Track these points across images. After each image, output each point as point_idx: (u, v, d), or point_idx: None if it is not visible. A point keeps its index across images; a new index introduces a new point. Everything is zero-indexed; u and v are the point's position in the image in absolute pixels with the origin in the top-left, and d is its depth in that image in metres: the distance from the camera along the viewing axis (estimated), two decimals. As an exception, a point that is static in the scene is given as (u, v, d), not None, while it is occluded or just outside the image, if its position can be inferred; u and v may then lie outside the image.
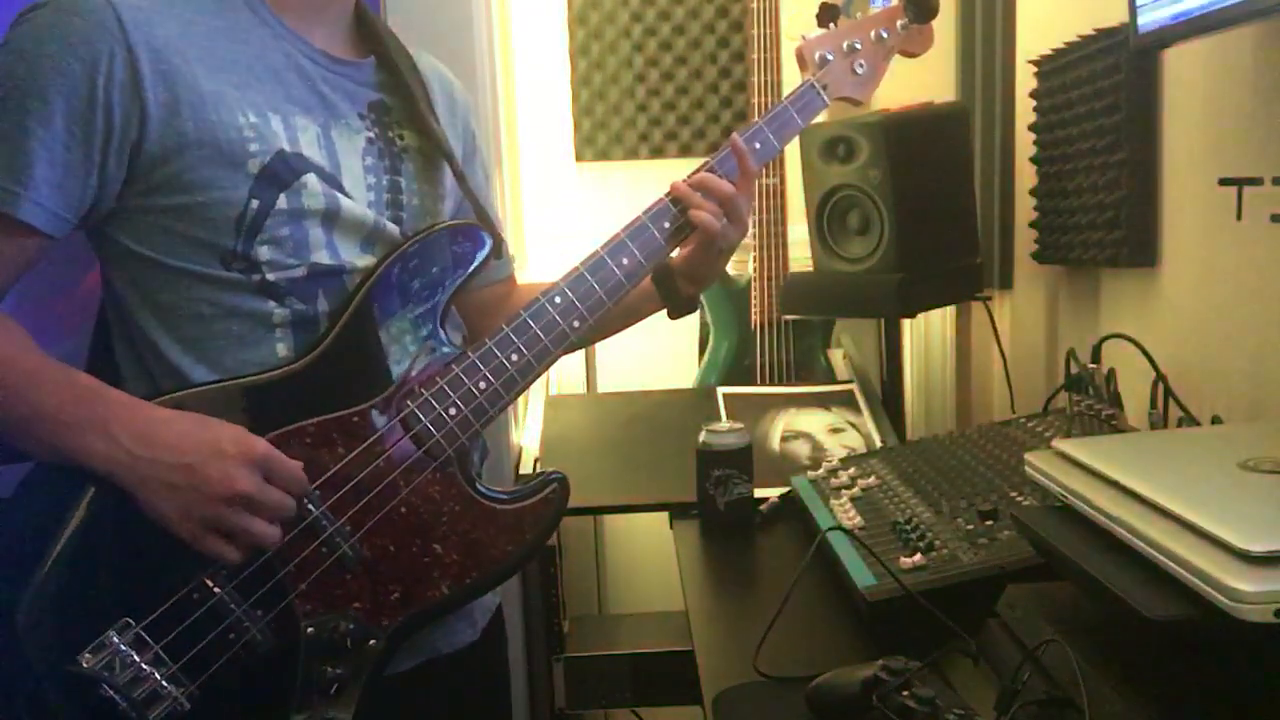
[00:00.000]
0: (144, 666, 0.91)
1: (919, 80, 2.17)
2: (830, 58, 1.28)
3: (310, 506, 0.98)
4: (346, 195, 1.05)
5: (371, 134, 1.10)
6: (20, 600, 0.90)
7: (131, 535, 0.93)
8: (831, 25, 1.29)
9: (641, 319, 1.31)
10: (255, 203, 0.99)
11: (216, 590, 0.94)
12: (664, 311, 1.29)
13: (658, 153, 2.59)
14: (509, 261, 1.32)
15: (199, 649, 0.93)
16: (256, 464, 0.94)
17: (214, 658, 0.94)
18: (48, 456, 0.94)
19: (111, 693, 0.89)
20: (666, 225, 1.16)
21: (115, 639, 0.90)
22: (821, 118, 1.92)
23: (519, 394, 1.10)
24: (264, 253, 1.01)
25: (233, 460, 0.93)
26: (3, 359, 0.94)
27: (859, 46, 1.29)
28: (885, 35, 1.31)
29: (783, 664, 1.01)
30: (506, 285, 1.32)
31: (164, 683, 0.91)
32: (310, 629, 0.98)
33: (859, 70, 1.29)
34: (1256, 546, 0.67)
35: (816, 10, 1.30)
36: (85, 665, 0.89)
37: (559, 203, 2.60)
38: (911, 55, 1.36)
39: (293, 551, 0.97)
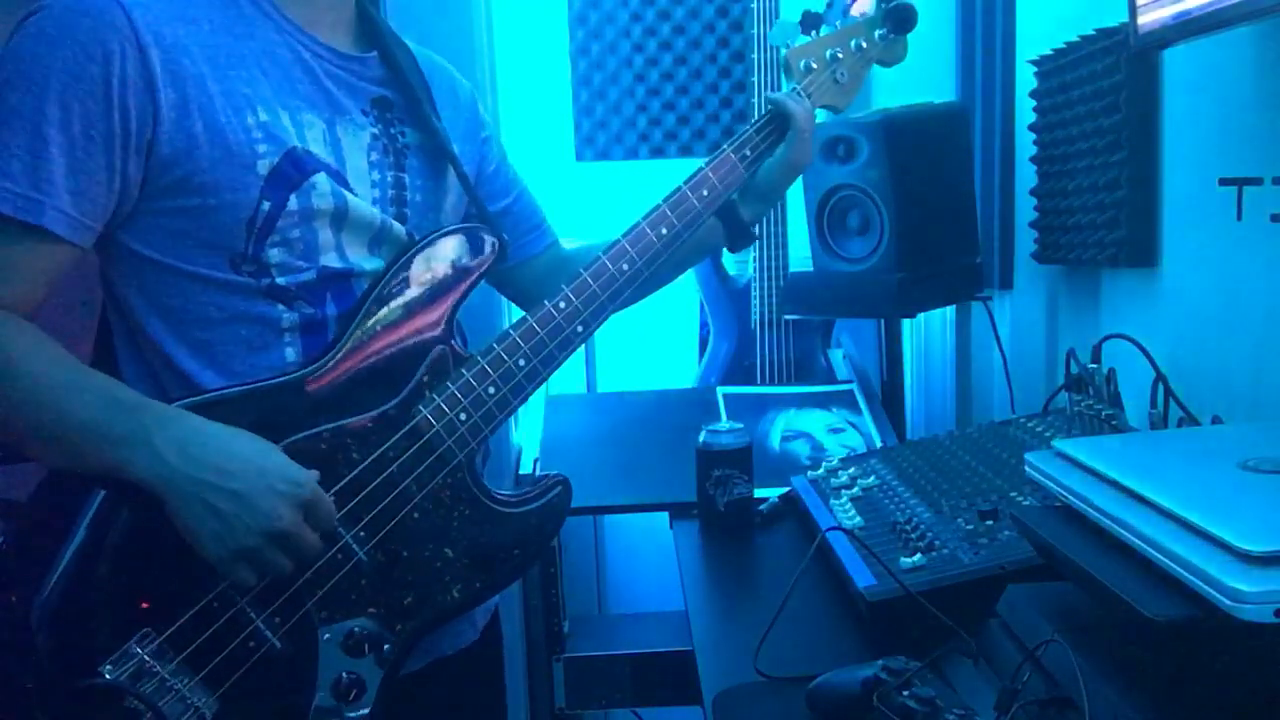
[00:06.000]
0: (166, 677, 0.90)
1: (919, 80, 2.17)
2: (814, 66, 1.33)
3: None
4: (352, 193, 1.05)
5: (375, 130, 1.10)
6: (37, 608, 0.89)
7: (151, 544, 0.92)
8: (814, 32, 1.34)
9: (700, 259, 1.47)
10: (266, 204, 0.99)
11: (236, 599, 0.94)
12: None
13: (658, 153, 2.59)
14: (542, 234, 1.33)
15: (220, 658, 0.93)
16: (302, 505, 0.93)
17: (234, 666, 0.94)
18: (85, 471, 0.92)
19: (137, 703, 0.88)
20: (664, 230, 1.18)
21: (138, 649, 0.90)
22: (820, 119, 1.92)
23: (526, 398, 1.11)
24: (274, 255, 1.00)
25: (282, 498, 0.92)
26: (35, 373, 0.92)
27: (840, 56, 1.35)
28: (865, 45, 1.37)
29: (783, 664, 1.01)
30: (549, 253, 1.33)
31: (186, 693, 0.91)
32: (327, 635, 0.98)
33: (840, 79, 1.35)
34: (1256, 546, 0.67)
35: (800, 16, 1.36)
36: (109, 676, 0.88)
37: (559, 202, 2.60)
38: (886, 65, 1.41)
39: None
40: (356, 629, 0.99)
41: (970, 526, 1.15)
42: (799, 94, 1.30)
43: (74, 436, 0.91)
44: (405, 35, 1.20)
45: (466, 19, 1.71)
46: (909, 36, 1.41)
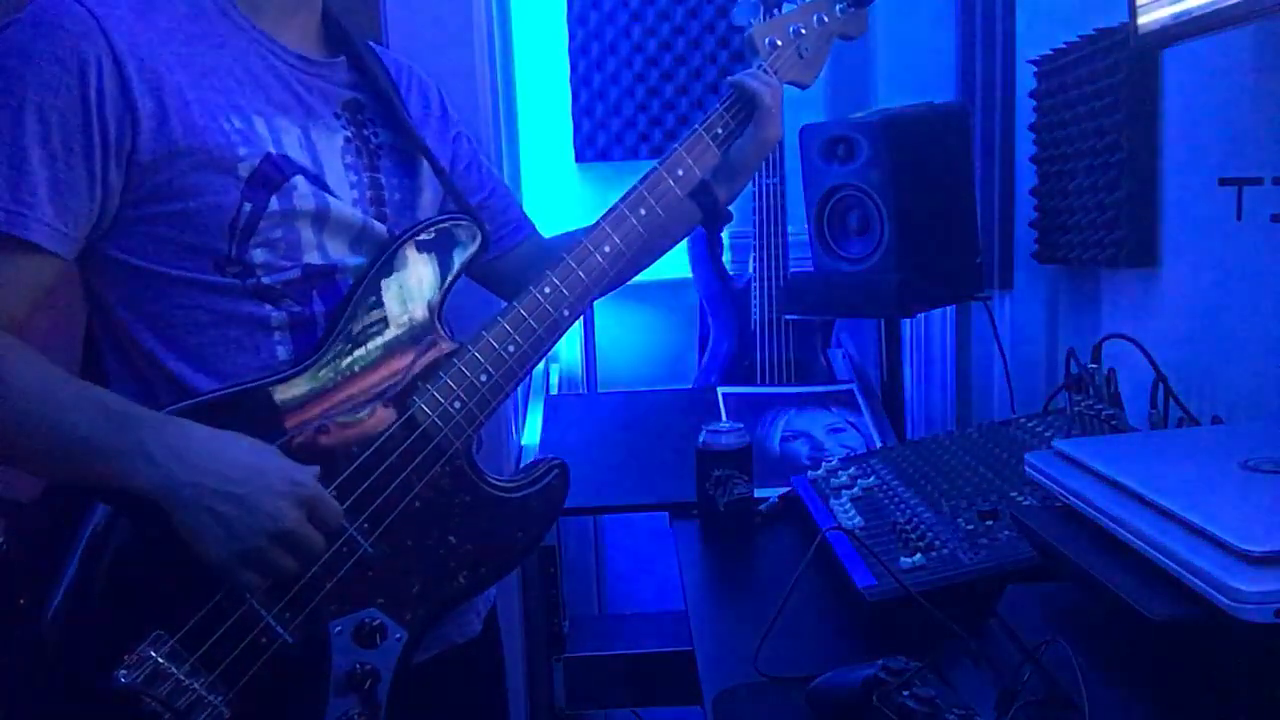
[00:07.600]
0: (182, 678, 0.91)
1: (919, 80, 2.17)
2: (779, 43, 1.34)
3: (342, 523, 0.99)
4: (333, 195, 1.05)
5: (348, 133, 1.11)
6: (46, 613, 0.89)
7: (158, 546, 0.92)
8: (777, 10, 1.35)
9: (678, 240, 1.39)
10: (248, 206, 0.99)
11: (246, 597, 0.94)
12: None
13: (658, 153, 2.59)
14: (520, 225, 1.34)
15: (233, 656, 0.94)
16: (304, 503, 0.94)
17: (248, 664, 0.94)
18: (85, 483, 0.92)
19: (155, 705, 0.89)
20: (643, 212, 1.19)
21: (151, 652, 0.90)
22: (820, 116, 1.92)
23: (519, 384, 1.13)
24: (258, 255, 1.01)
25: (283, 497, 0.93)
26: (29, 391, 0.91)
27: (803, 31, 1.36)
28: (826, 20, 1.38)
29: (783, 664, 1.00)
30: (529, 244, 1.33)
31: (203, 692, 0.92)
32: (338, 628, 1.00)
33: (804, 54, 1.36)
34: (1256, 546, 0.67)
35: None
36: (124, 680, 0.88)
37: (559, 203, 2.60)
38: (848, 38, 1.42)
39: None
40: (367, 620, 1.01)
41: (970, 526, 1.15)
42: (765, 70, 1.31)
43: (72, 451, 0.91)
44: (405, 38, 1.20)
45: (466, 19, 1.71)
46: (867, 10, 1.42)
